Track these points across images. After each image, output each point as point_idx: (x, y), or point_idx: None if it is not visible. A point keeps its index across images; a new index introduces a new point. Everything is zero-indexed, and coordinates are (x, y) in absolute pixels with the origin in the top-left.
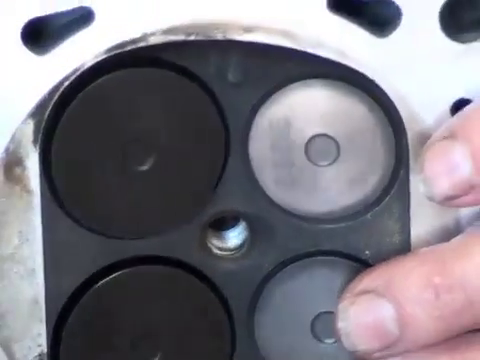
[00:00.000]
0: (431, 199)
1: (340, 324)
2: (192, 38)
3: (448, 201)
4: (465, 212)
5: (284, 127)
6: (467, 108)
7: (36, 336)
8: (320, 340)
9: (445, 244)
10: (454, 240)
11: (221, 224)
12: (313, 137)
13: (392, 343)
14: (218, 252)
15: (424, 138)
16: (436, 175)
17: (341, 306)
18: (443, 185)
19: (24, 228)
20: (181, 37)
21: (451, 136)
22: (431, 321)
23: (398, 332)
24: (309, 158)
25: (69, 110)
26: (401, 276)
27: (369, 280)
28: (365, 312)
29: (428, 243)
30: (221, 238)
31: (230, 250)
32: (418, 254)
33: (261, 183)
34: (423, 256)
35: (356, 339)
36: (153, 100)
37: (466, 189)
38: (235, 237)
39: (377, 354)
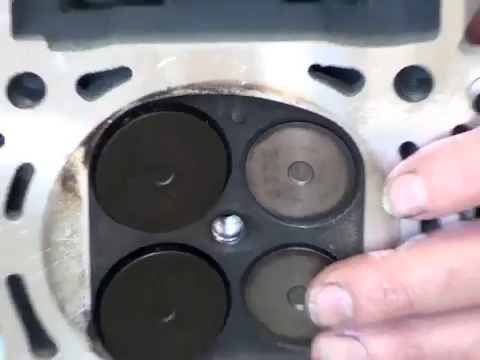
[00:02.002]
0: (393, 215)
1: (310, 305)
2: (205, 92)
3: (404, 217)
4: (405, 225)
5: (273, 155)
6: (426, 149)
7: (82, 298)
8: (293, 306)
9: (393, 254)
10: (400, 251)
11: (224, 215)
12: (295, 163)
13: (346, 322)
14: (220, 238)
15: (378, 169)
16: (398, 200)
17: (312, 292)
18: (402, 208)
19: (74, 223)
20: (196, 91)
21: (413, 171)
22: (379, 311)
23: (352, 315)
24: (291, 178)
25: (110, 141)
26: (360, 277)
27: (335, 275)
28: (330, 298)
29: (377, 243)
30: (223, 224)
31: (229, 237)
32: (373, 261)
33: (254, 193)
34: (376, 265)
35: (321, 317)
36: (175, 134)
37: (419, 212)
38: (233, 224)
39: (335, 327)
